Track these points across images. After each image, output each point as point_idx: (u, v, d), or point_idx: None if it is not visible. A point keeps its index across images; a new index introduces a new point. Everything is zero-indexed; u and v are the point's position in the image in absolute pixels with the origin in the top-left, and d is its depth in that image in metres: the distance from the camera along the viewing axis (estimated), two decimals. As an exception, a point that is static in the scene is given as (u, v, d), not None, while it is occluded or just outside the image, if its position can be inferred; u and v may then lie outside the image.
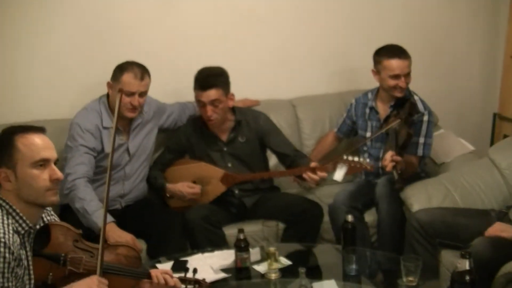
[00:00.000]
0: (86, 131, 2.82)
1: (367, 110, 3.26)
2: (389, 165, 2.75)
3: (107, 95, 2.94)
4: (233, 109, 3.03)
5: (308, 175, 2.75)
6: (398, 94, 3.13)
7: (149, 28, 3.35)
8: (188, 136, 3.04)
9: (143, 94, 2.83)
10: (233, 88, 2.99)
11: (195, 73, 2.97)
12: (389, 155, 2.79)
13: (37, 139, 1.82)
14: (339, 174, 2.70)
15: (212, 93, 2.86)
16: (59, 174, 1.85)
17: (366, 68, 3.25)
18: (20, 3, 3.13)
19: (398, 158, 2.80)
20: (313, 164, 2.77)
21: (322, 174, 2.73)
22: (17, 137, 1.77)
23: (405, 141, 2.88)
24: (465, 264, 2.06)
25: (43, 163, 1.83)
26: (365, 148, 3.27)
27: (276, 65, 3.60)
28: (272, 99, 3.54)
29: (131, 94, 2.77)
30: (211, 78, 2.88)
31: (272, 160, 3.25)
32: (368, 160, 2.77)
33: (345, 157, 2.70)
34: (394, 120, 2.96)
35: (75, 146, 2.76)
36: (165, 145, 3.14)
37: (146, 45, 3.30)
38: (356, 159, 2.71)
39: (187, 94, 3.16)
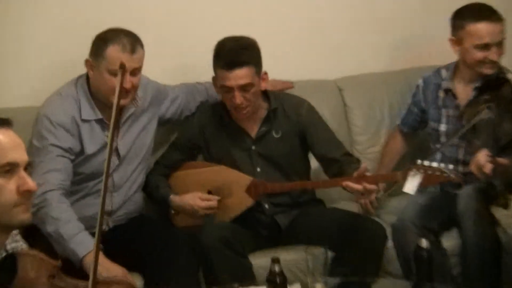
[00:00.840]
0: (58, 126, 2.36)
1: (441, 94, 2.74)
2: (487, 166, 2.32)
3: (87, 77, 2.45)
4: (266, 94, 2.58)
5: (347, 184, 2.34)
6: (487, 71, 2.62)
7: None
8: (203, 129, 2.60)
9: (136, 71, 2.36)
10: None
11: (206, 47, 2.51)
12: (483, 155, 2.36)
13: (0, 136, 1.55)
14: (411, 185, 2.27)
15: (243, 74, 2.41)
16: (30, 184, 1.57)
17: (440, 37, 2.77)
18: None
19: (503, 160, 2.36)
20: (360, 171, 2.34)
21: (370, 186, 2.32)
22: None
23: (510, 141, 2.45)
24: None
25: (9, 168, 1.55)
26: (437, 146, 2.74)
27: (314, 36, 3.15)
28: (310, 79, 3.06)
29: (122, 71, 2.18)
30: (241, 53, 2.43)
31: (313, 163, 2.73)
32: (451, 166, 2.28)
33: (419, 162, 2.28)
34: (483, 108, 2.49)
35: (44, 146, 2.34)
36: (171, 142, 2.69)
37: (140, 8, 2.87)
38: (435, 165, 2.27)
39: (196, 74, 2.80)
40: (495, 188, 2.40)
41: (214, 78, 2.47)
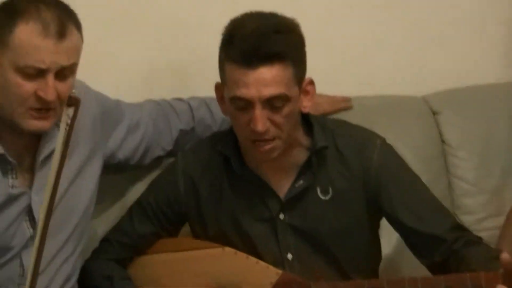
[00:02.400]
0: None
1: None
2: None
3: None
4: (308, 120, 1.90)
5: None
6: None
7: None
8: (193, 180, 1.91)
9: (66, 73, 1.70)
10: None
11: (201, 36, 2.10)
12: None
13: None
14: None
15: (272, 76, 1.70)
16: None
17: None
18: None
19: None
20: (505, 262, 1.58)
21: None
22: None
23: None
24: None
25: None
26: None
27: (389, 36, 2.49)
28: (382, 95, 2.35)
29: (39, 72, 1.68)
30: (272, 39, 1.70)
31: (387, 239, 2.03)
32: None
33: None
34: None
35: None
36: (134, 203, 1.98)
37: None
38: None
39: (183, 84, 2.24)
40: None
41: (218, 86, 1.80)
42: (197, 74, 2.18)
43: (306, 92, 1.78)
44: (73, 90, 1.75)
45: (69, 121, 1.61)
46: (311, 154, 1.81)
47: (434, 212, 1.84)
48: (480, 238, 1.83)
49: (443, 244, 1.76)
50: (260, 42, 1.69)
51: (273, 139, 1.73)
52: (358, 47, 2.43)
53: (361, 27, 2.46)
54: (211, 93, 1.93)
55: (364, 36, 2.44)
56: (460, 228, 1.84)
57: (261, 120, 1.68)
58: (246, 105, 1.70)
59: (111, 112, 1.92)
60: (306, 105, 1.80)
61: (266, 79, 1.69)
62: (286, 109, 1.71)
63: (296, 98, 1.75)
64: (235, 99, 1.71)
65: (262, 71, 1.68)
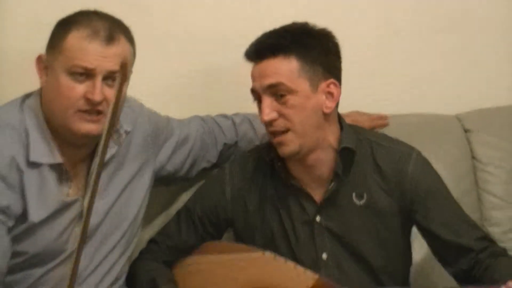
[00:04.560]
0: None
1: None
2: None
3: (40, 94, 1.91)
4: (341, 127, 1.97)
5: None
6: None
7: None
8: (239, 188, 2.00)
9: (112, 78, 1.78)
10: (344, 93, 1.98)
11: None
12: None
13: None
14: None
15: (272, 66, 1.83)
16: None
17: None
18: None
19: None
20: None
21: None
22: None
23: None
24: None
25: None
26: None
27: (426, 53, 2.55)
28: (416, 113, 2.43)
29: (86, 74, 1.77)
30: (277, 36, 1.84)
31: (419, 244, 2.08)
32: None
33: None
34: None
35: None
36: (181, 208, 2.08)
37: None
38: None
39: (225, 101, 2.33)
40: None
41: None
42: (221, 88, 2.27)
43: (329, 93, 1.85)
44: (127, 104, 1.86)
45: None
46: (335, 154, 1.88)
47: (463, 223, 1.90)
48: (505, 250, 1.88)
49: (470, 253, 1.82)
50: (268, 37, 1.82)
51: (286, 131, 1.81)
52: (397, 68, 2.48)
53: (402, 49, 2.51)
54: (234, 104, 2.13)
55: (402, 57, 2.49)
56: (486, 239, 1.89)
57: (265, 109, 1.79)
58: (257, 97, 1.83)
59: (162, 129, 2.02)
60: (329, 105, 1.86)
61: (267, 69, 1.80)
62: (291, 101, 1.79)
63: (306, 93, 1.81)
64: (252, 93, 1.85)
65: (266, 62, 1.80)
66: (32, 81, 1.91)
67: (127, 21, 1.86)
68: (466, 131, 2.32)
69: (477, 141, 2.30)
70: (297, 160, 1.87)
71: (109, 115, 1.44)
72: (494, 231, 2.20)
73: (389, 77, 2.47)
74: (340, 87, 1.86)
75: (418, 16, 2.52)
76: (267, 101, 1.78)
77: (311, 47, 1.80)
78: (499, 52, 2.57)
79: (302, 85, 1.77)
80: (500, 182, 2.26)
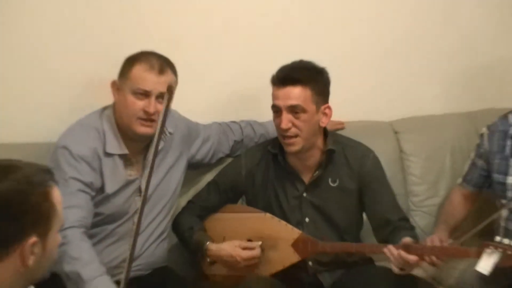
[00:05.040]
0: (79, 158, 2.21)
1: (509, 142, 2.50)
2: None
3: (113, 107, 2.33)
4: (325, 133, 2.42)
5: (393, 255, 2.15)
6: None
7: (179, 12, 2.69)
8: (251, 174, 2.46)
9: (162, 97, 2.23)
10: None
11: (248, 79, 2.60)
12: None
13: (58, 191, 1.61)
14: (486, 264, 2.10)
15: (294, 93, 2.28)
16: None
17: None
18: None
19: None
20: (406, 240, 2.19)
21: (413, 258, 2.13)
22: (51, 190, 1.54)
23: None
24: None
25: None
26: (502, 201, 2.50)
27: (369, 73, 2.99)
28: (362, 121, 2.91)
29: (145, 94, 2.23)
30: (297, 71, 2.30)
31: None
32: None
33: (498, 239, 2.13)
34: None
35: (64, 179, 2.16)
36: (212, 180, 2.55)
37: (172, 36, 2.64)
38: None
39: (232, 112, 2.69)
40: None
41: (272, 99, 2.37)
42: (243, 108, 2.66)
43: (325, 114, 2.29)
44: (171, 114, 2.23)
45: (161, 120, 1.84)
46: (326, 156, 2.31)
47: (393, 206, 2.40)
48: (413, 227, 2.38)
49: (391, 226, 2.32)
50: (289, 71, 2.27)
51: (295, 136, 2.24)
52: (349, 85, 2.84)
53: (351, 71, 2.88)
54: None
55: (352, 77, 2.88)
56: (405, 219, 2.39)
57: (284, 120, 2.22)
58: (277, 110, 2.24)
59: (192, 131, 2.48)
60: (324, 121, 2.30)
61: (289, 94, 2.23)
62: (303, 117, 2.22)
63: (313, 113, 2.24)
64: (273, 107, 2.27)
65: (288, 89, 2.23)
66: (104, 98, 2.33)
67: (172, 58, 2.26)
68: (395, 132, 2.85)
69: (403, 139, 2.84)
70: (295, 155, 2.31)
71: (159, 122, 1.81)
72: (414, 200, 2.77)
73: (344, 92, 2.68)
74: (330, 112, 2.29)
75: (361, 44, 2.91)
76: (287, 116, 2.25)
77: (319, 81, 2.29)
78: (425, 75, 3.04)
79: (311, 107, 2.25)
80: (418, 166, 2.80)
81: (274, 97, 2.28)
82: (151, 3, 2.62)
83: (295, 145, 2.28)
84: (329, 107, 2.31)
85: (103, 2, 2.56)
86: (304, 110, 2.24)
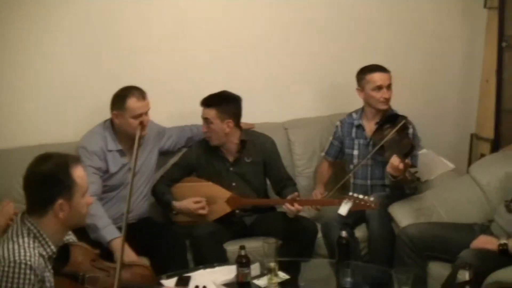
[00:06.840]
0: (92, 153, 2.96)
1: (354, 129, 3.40)
2: (400, 165, 2.86)
3: (111, 120, 3.09)
4: (241, 130, 3.14)
5: (286, 206, 2.92)
6: (383, 107, 3.26)
7: (154, 55, 3.46)
8: (198, 155, 3.16)
9: (148, 112, 2.99)
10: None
11: (195, 98, 3.16)
12: (396, 159, 2.91)
13: (83, 171, 1.97)
14: (344, 209, 2.79)
15: (206, 112, 3.04)
16: (90, 200, 2.07)
17: (353, 92, 3.41)
18: (24, 28, 3.19)
19: (408, 162, 2.95)
20: (294, 195, 2.94)
21: (298, 207, 2.88)
22: (72, 170, 1.89)
23: (408, 150, 3.03)
24: (465, 275, 2.18)
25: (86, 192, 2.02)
26: (351, 167, 3.38)
27: (269, 91, 3.72)
28: (265, 122, 3.64)
29: (140, 115, 2.93)
30: (211, 99, 3.05)
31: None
32: (372, 198, 2.83)
33: (351, 193, 2.83)
34: (389, 132, 3.09)
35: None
36: (174, 162, 3.26)
37: (150, 70, 3.41)
38: (361, 196, 2.81)
39: (190, 118, 3.34)
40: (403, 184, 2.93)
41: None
42: (190, 116, 3.22)
43: (226, 125, 3.03)
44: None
45: (139, 134, 2.60)
46: (242, 144, 3.09)
47: (284, 172, 3.22)
48: (295, 183, 3.16)
49: (281, 183, 3.12)
50: (206, 99, 3.03)
51: (209, 136, 3.03)
52: (259, 93, 3.51)
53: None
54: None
55: (254, 88, 3.47)
56: (291, 179, 3.21)
57: (203, 126, 3.02)
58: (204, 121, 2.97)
59: (160, 132, 3.22)
60: (226, 130, 3.02)
61: (204, 112, 3.01)
62: (211, 126, 3.01)
63: (217, 123, 2.99)
64: (202, 118, 2.97)
65: (204, 109, 3.00)
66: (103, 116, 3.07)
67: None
68: (285, 128, 3.62)
69: (290, 132, 3.62)
70: (221, 146, 3.09)
71: (139, 130, 2.63)
72: (298, 169, 3.59)
73: (252, 104, 3.32)
74: (234, 123, 2.97)
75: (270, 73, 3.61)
76: (205, 125, 3.01)
77: (226, 106, 3.04)
78: (304, 91, 3.74)
79: (216, 120, 3.00)
80: (299, 148, 3.61)
81: (202, 114, 3.07)
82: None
83: (212, 141, 3.09)
84: (230, 121, 3.05)
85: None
86: (211, 122, 3.03)
